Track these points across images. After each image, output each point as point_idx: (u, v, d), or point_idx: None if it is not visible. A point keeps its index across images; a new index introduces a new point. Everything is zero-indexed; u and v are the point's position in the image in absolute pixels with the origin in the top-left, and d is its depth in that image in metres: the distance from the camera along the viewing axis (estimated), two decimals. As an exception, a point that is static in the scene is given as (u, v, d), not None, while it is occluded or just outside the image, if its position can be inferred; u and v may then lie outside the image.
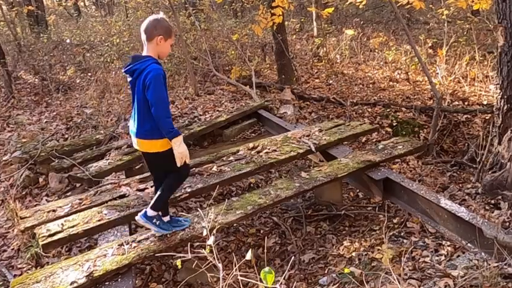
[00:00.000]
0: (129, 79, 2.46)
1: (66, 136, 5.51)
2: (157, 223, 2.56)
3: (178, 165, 2.43)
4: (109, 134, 4.78)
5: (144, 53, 2.43)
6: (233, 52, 8.38)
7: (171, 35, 2.45)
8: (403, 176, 3.36)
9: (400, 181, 3.13)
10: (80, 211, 2.97)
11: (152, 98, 2.29)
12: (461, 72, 7.27)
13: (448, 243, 2.98)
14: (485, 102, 6.49)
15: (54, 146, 4.53)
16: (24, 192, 4.32)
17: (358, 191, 4.35)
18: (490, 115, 5.97)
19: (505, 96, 3.51)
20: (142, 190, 3.19)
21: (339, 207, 4.07)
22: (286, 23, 8.27)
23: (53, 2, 20.67)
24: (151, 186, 3.26)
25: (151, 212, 2.54)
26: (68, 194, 4.08)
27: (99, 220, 2.77)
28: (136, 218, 2.56)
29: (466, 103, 6.56)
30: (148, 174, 3.54)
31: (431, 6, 8.31)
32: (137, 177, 3.47)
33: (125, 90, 7.05)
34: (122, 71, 2.52)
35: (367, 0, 6.97)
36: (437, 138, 5.72)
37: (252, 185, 4.75)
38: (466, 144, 5.83)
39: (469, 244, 2.53)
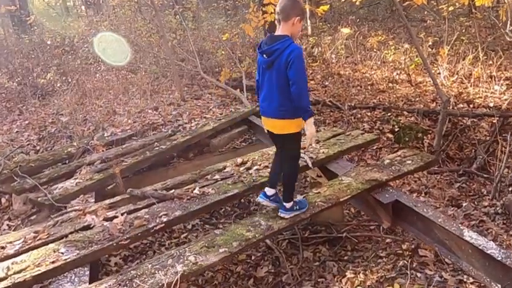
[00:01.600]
0: (263, 58, 2.46)
1: (38, 148, 5.00)
2: (297, 208, 2.73)
3: (308, 145, 2.62)
4: (82, 147, 4.28)
5: (278, 33, 2.44)
6: (223, 53, 7.89)
7: (304, 16, 2.53)
8: (415, 199, 2.89)
9: (413, 205, 2.67)
10: (34, 248, 2.49)
11: (294, 76, 2.33)
12: (463, 72, 6.85)
13: (471, 279, 2.54)
14: (491, 105, 6.07)
15: (19, 162, 4.02)
16: (-17, 216, 3.82)
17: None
18: (497, 119, 5.57)
19: (528, 103, 3.07)
20: (111, 219, 2.71)
21: (339, 229, 3.63)
22: (278, 21, 7.80)
23: (41, 1, 20.11)
24: (122, 214, 2.79)
25: (288, 205, 2.71)
26: (32, 218, 3.59)
27: (53, 262, 2.28)
28: (280, 214, 2.71)
29: (472, 105, 6.13)
30: (120, 198, 3.07)
31: (433, 2, 7.88)
32: (107, 202, 2.99)
33: (106, 95, 6.55)
34: (258, 51, 2.52)
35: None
36: (442, 144, 5.30)
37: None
38: (474, 150, 5.42)
39: (502, 289, 2.08)
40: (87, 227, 2.66)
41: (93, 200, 3.23)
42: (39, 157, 4.16)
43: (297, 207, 2.75)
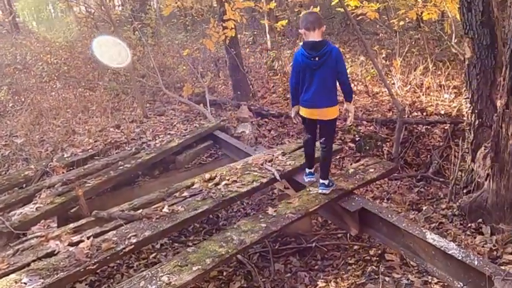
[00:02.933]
0: (314, 61, 2.92)
1: (-10, 173, 4.72)
2: (331, 185, 3.16)
3: (349, 123, 3.24)
4: (41, 170, 4.09)
5: (315, 39, 2.94)
6: (184, 68, 7.88)
7: None
8: (379, 205, 3.01)
9: (378, 212, 2.78)
10: (-8, 280, 2.34)
11: (343, 68, 2.98)
12: (415, 82, 7.25)
13: (435, 280, 2.67)
14: (442, 112, 6.45)
15: (-29, 189, 3.78)
16: None
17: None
18: (449, 125, 5.92)
19: (476, 111, 3.31)
20: (76, 244, 2.61)
21: (308, 239, 3.69)
22: (238, 36, 7.91)
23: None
24: (88, 238, 2.69)
25: (327, 182, 3.12)
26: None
27: (16, 293, 2.16)
28: (319, 191, 3.11)
29: (425, 113, 6.49)
30: (85, 221, 2.96)
31: (384, 16, 8.31)
32: (71, 225, 2.87)
33: (64, 114, 6.31)
34: (307, 56, 2.94)
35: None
36: (400, 151, 5.55)
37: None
38: (429, 156, 5.71)
39: (465, 287, 2.21)
40: (51, 254, 2.54)
41: (55, 225, 3.10)
42: (-7, 182, 3.93)
43: (332, 183, 3.19)
